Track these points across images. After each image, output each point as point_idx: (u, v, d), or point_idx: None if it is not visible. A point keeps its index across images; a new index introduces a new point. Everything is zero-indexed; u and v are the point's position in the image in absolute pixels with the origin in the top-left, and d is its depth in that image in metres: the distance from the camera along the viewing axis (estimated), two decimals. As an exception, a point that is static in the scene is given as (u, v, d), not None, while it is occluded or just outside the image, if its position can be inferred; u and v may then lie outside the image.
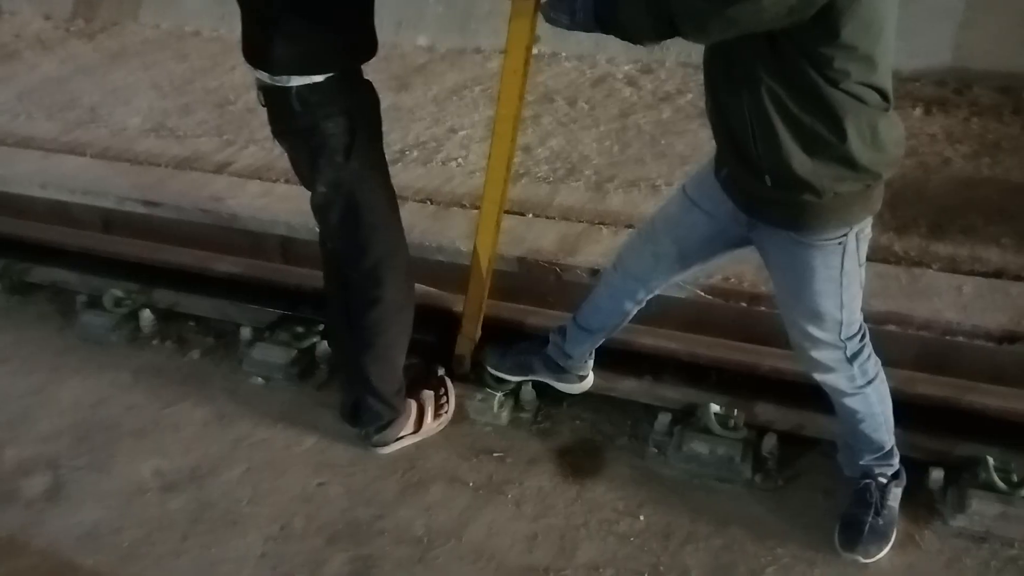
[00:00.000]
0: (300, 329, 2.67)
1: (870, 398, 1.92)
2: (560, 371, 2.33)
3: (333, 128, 1.93)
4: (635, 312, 2.17)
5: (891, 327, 2.30)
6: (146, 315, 2.81)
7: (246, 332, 2.69)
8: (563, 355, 2.30)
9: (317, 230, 2.20)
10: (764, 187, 1.65)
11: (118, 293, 2.85)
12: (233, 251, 2.97)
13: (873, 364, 1.90)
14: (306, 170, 2.05)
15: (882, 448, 1.99)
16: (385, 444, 2.32)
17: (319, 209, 2.09)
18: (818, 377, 1.92)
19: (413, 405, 2.35)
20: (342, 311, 2.21)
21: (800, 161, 1.57)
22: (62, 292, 3.01)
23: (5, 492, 2.31)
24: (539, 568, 2.03)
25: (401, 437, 2.33)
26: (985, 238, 2.66)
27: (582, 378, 2.36)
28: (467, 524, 2.14)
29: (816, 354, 1.86)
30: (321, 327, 2.67)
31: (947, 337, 2.28)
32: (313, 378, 2.60)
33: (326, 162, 1.98)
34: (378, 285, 2.12)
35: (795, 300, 1.82)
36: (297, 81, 1.85)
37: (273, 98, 1.94)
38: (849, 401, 1.93)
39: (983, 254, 2.58)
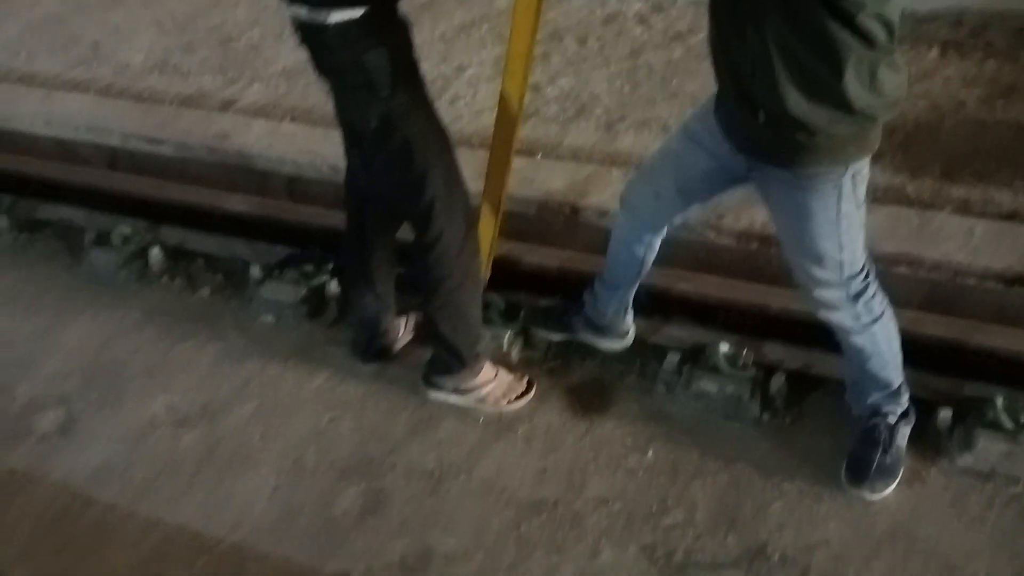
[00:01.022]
0: (309, 268, 2.66)
1: (876, 336, 1.92)
2: (600, 330, 2.33)
3: (375, 61, 1.85)
4: (649, 258, 2.16)
5: (901, 269, 2.30)
6: (155, 253, 2.80)
7: (255, 271, 2.68)
8: (599, 314, 2.30)
9: (344, 177, 2.14)
10: (758, 124, 1.64)
11: (126, 230, 2.84)
12: (240, 189, 2.96)
13: (879, 303, 1.90)
14: (352, 109, 1.98)
15: (890, 386, 2.00)
16: (436, 388, 2.28)
17: (369, 149, 2.01)
18: (823, 316, 1.92)
19: (487, 370, 2.28)
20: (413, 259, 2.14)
21: (795, 101, 1.55)
22: (69, 230, 3.01)
23: (18, 428, 2.34)
24: (548, 502, 2.06)
25: (455, 391, 2.27)
26: (998, 181, 2.64)
27: (623, 335, 2.35)
28: (477, 459, 2.17)
29: (819, 293, 1.87)
30: (331, 266, 2.67)
31: (957, 279, 2.28)
32: (323, 316, 2.61)
33: (372, 97, 1.89)
34: (435, 225, 2.04)
35: (795, 241, 1.81)
36: (336, 16, 1.78)
37: (311, 35, 1.87)
38: (855, 339, 1.93)
39: (995, 196, 2.56)
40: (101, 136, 3.15)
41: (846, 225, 1.73)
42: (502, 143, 2.21)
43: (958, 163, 2.73)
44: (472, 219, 2.16)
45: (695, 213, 2.11)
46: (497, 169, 2.26)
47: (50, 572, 1.99)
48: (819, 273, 1.82)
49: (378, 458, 2.19)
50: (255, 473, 2.18)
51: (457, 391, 2.27)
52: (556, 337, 2.41)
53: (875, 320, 1.90)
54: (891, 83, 1.57)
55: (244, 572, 1.95)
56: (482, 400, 2.27)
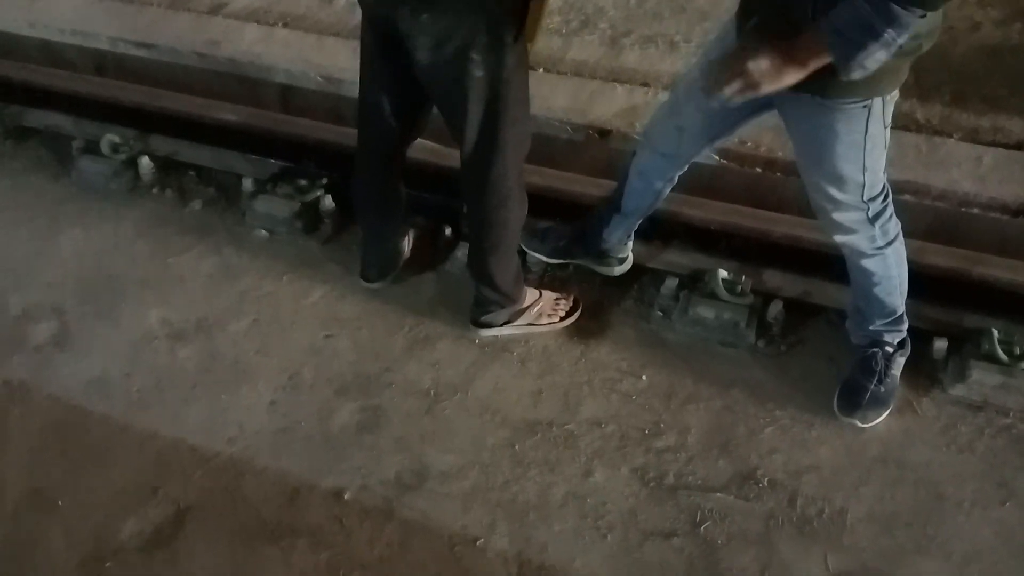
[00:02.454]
0: (303, 182, 2.62)
1: (888, 259, 1.91)
2: (600, 255, 2.31)
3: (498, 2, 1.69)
4: (667, 191, 2.12)
5: (907, 197, 2.26)
6: (145, 163, 2.74)
7: (248, 184, 2.64)
8: (601, 239, 2.27)
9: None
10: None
11: (115, 139, 2.77)
12: (232, 99, 2.88)
13: (894, 225, 1.89)
14: (452, 59, 1.74)
15: (894, 312, 2.00)
16: (489, 326, 2.25)
17: (456, 100, 1.83)
18: (839, 239, 1.90)
19: (530, 294, 2.26)
20: (473, 213, 2.08)
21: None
22: (58, 137, 2.94)
23: (13, 338, 2.33)
24: (543, 422, 2.08)
25: (505, 323, 2.25)
26: (1009, 108, 2.58)
27: (622, 260, 2.33)
28: (473, 379, 2.18)
29: (838, 216, 1.84)
30: (325, 181, 2.62)
31: (962, 208, 2.25)
32: (318, 232, 2.57)
33: (494, 41, 1.71)
34: (506, 185, 1.97)
35: (816, 165, 1.78)
36: None
37: None
38: (867, 263, 1.92)
39: (1006, 124, 2.51)
40: (87, 39, 3.03)
41: (871, 147, 1.70)
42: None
43: (969, 88, 2.66)
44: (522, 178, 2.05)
45: (718, 147, 2.06)
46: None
47: (48, 483, 2.01)
48: (839, 195, 1.79)
49: (375, 376, 2.20)
50: (252, 388, 2.19)
51: (507, 323, 2.25)
52: (552, 261, 2.38)
53: (889, 243, 1.89)
54: (932, 5, 1.49)
55: (241, 485, 1.98)
56: (533, 323, 2.26)
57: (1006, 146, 2.42)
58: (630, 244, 2.31)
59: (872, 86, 1.59)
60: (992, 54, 2.85)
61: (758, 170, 2.36)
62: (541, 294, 2.29)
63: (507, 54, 1.76)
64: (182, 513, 1.94)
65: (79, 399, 2.18)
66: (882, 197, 1.83)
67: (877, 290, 1.95)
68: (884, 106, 1.66)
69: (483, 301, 2.22)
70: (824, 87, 1.61)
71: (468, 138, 1.90)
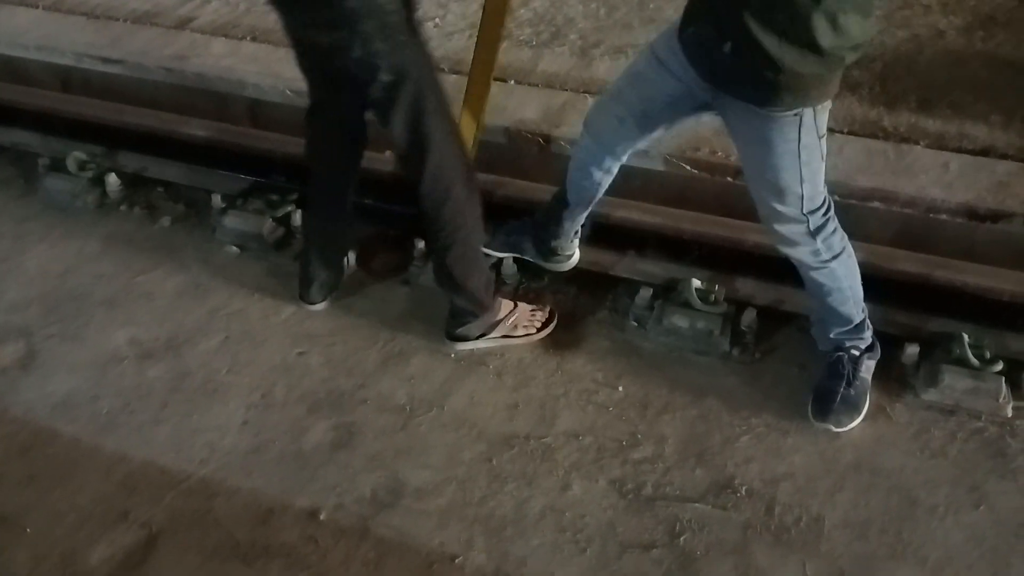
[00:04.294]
0: (274, 197, 2.59)
1: (836, 272, 1.93)
2: (548, 251, 2.30)
3: (389, 2, 1.72)
4: (605, 184, 2.11)
5: (875, 203, 2.29)
6: (112, 180, 2.71)
7: (217, 200, 2.60)
8: (549, 235, 2.27)
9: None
10: (722, 54, 1.60)
11: (81, 156, 2.74)
12: (200, 114, 2.85)
13: (839, 239, 1.90)
14: (360, 61, 1.79)
15: (850, 322, 2.02)
16: (463, 339, 2.23)
17: (379, 106, 1.88)
18: (784, 251, 1.92)
19: (503, 305, 2.25)
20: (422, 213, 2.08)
21: (763, 36, 1.52)
22: (23, 155, 2.89)
23: (-23, 360, 2.28)
24: (520, 435, 2.06)
25: (480, 336, 2.24)
26: (973, 114, 2.62)
27: (569, 257, 2.33)
28: (449, 394, 2.16)
29: (779, 228, 1.86)
30: (295, 196, 2.60)
31: (930, 214, 2.27)
32: (289, 248, 2.55)
33: (390, 44, 1.76)
34: (446, 177, 1.97)
35: (757, 174, 1.80)
36: None
37: None
38: (815, 275, 1.94)
39: (971, 131, 2.54)
40: (52, 55, 2.99)
41: (807, 157, 1.71)
42: (480, 72, 2.12)
43: (935, 95, 2.70)
44: (470, 159, 2.09)
45: (657, 140, 2.07)
46: (475, 97, 2.18)
47: (14, 508, 1.96)
48: (780, 207, 1.81)
49: (348, 392, 2.17)
50: (223, 407, 2.16)
51: (482, 336, 2.23)
52: (501, 255, 2.37)
53: (834, 257, 1.90)
54: (859, 28, 1.52)
55: (213, 507, 1.95)
56: (508, 335, 2.25)
57: (972, 152, 2.45)
58: (576, 241, 2.30)
59: (800, 96, 1.62)
60: (957, 61, 2.89)
61: (729, 179, 2.37)
62: (516, 305, 2.28)
63: (408, 51, 1.80)
64: (153, 537, 1.90)
65: (46, 421, 2.14)
66: (823, 211, 1.84)
67: (830, 300, 1.97)
68: (816, 116, 1.67)
69: (456, 312, 2.21)
70: (754, 95, 1.64)
71: (397, 140, 1.93)
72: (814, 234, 1.85)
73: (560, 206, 2.20)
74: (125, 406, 2.17)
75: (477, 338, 2.23)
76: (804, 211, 1.81)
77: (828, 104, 1.68)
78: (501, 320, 2.23)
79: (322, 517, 1.92)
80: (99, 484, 2.01)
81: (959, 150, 2.45)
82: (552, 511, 1.91)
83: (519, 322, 2.26)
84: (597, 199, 2.16)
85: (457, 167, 1.99)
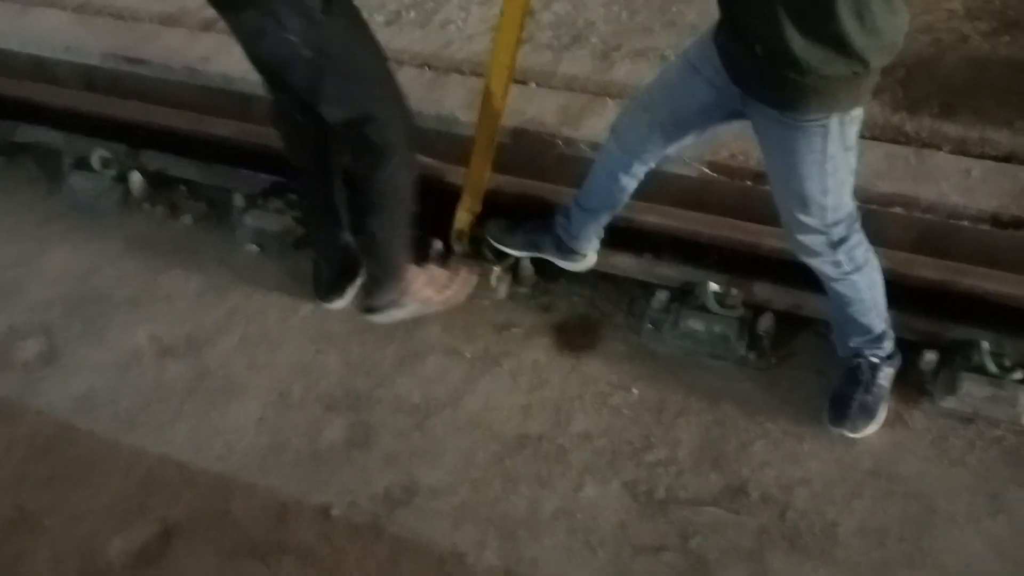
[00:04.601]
0: (294, 197, 2.61)
1: (857, 284, 1.91)
2: (565, 249, 2.31)
3: None
4: (632, 188, 2.11)
5: (897, 209, 2.27)
6: (135, 178, 2.74)
7: (239, 199, 2.63)
8: (569, 236, 2.27)
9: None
10: (752, 56, 1.59)
11: (106, 155, 2.77)
12: (223, 114, 2.87)
13: (863, 252, 1.88)
14: (276, 40, 1.81)
15: (871, 332, 2.00)
16: (376, 311, 2.28)
17: (305, 78, 1.89)
18: (805, 260, 1.91)
19: (416, 275, 2.29)
20: (344, 184, 2.14)
21: (792, 35, 1.50)
22: (49, 153, 2.93)
23: (0, 357, 2.32)
24: (534, 437, 2.07)
25: (396, 308, 2.29)
26: (996, 120, 2.58)
27: (586, 257, 2.34)
28: (464, 394, 2.17)
29: (801, 238, 1.84)
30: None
31: (951, 220, 2.25)
32: (308, 248, 2.56)
33: (304, 21, 1.78)
34: (386, 141, 2.00)
35: (782, 182, 1.79)
36: None
37: None
38: (836, 286, 1.93)
39: (993, 136, 2.51)
40: (78, 55, 3.03)
41: (832, 168, 1.69)
42: (498, 74, 2.13)
43: (958, 100, 2.67)
44: (414, 129, 2.12)
45: (687, 147, 2.07)
46: (493, 100, 2.19)
47: (34, 502, 2.00)
48: (802, 217, 1.79)
49: (364, 392, 2.19)
50: (241, 405, 2.18)
51: (396, 304, 2.27)
52: (519, 253, 2.38)
53: (857, 269, 1.88)
54: (887, 23, 1.50)
55: (230, 504, 1.97)
56: (423, 300, 2.28)
57: (994, 158, 2.42)
58: (596, 243, 2.31)
59: (827, 101, 1.60)
60: (980, 66, 2.86)
61: (748, 183, 2.36)
62: (425, 270, 2.31)
63: (326, 29, 1.81)
64: (169, 531, 1.93)
65: (66, 417, 2.17)
66: (847, 223, 1.82)
67: (851, 311, 1.96)
68: (843, 127, 1.64)
69: (372, 283, 2.25)
70: (780, 100, 1.63)
71: (331, 117, 1.96)
72: (836, 246, 1.83)
73: (582, 209, 2.21)
74: (144, 404, 2.20)
75: (391, 308, 2.26)
76: (827, 222, 1.79)
77: (858, 115, 1.66)
78: (412, 290, 2.26)
79: (336, 515, 1.93)
80: (118, 482, 2.04)
81: (981, 156, 2.42)
82: (565, 513, 1.91)
83: (434, 287, 2.29)
84: (622, 204, 2.17)
85: (395, 137, 2.01)
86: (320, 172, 2.23)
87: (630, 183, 2.09)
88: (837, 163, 1.69)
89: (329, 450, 2.07)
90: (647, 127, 1.95)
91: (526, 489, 1.96)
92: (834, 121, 1.63)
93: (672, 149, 2.01)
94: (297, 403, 2.17)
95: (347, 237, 2.34)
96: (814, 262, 1.89)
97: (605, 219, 2.22)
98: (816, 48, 1.51)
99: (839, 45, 1.50)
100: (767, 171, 1.85)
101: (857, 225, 1.85)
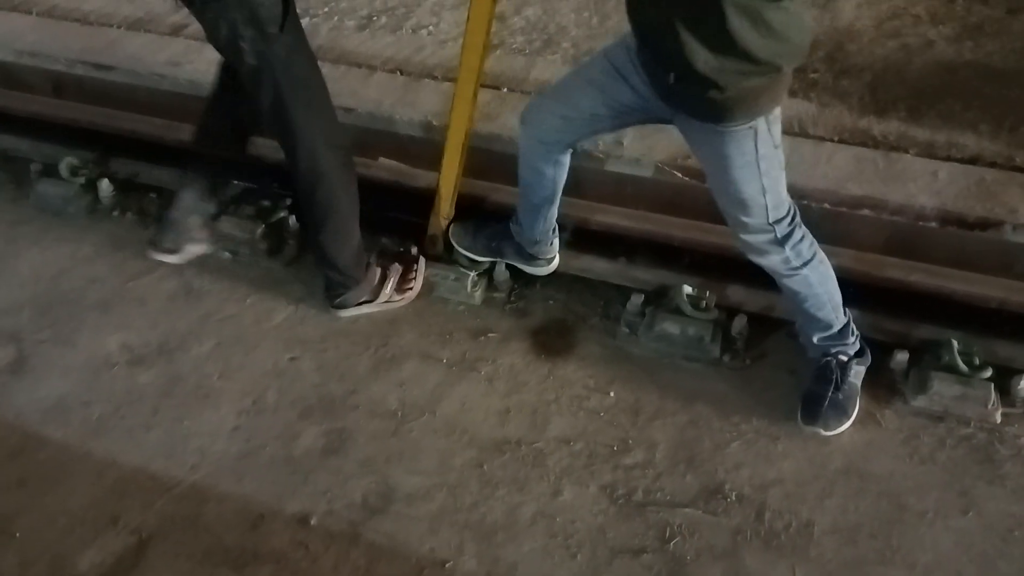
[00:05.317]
0: (266, 203, 2.59)
1: (809, 279, 1.95)
2: (527, 255, 2.32)
3: None
4: (561, 176, 2.12)
5: (865, 211, 2.30)
6: (104, 185, 2.70)
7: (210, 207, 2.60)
8: (525, 239, 2.28)
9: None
10: (671, 80, 1.64)
11: (74, 162, 2.73)
12: (192, 119, 2.83)
13: (808, 246, 1.92)
14: (228, 40, 1.90)
15: (830, 327, 2.03)
16: (343, 307, 2.33)
17: (248, 81, 1.99)
18: (755, 260, 1.95)
19: (377, 273, 2.34)
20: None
21: (702, 57, 1.54)
22: (14, 160, 2.88)
23: (-33, 364, 2.28)
24: (511, 441, 2.07)
25: (361, 303, 2.33)
26: (963, 123, 2.63)
27: (550, 260, 2.35)
28: (440, 399, 2.16)
29: (748, 238, 1.89)
30: (288, 202, 2.60)
31: (920, 222, 2.28)
32: (282, 254, 2.55)
33: (257, 32, 1.86)
34: (321, 164, 2.09)
35: (720, 187, 1.83)
36: None
37: None
38: (788, 282, 1.97)
39: (960, 139, 2.56)
40: (45, 61, 2.99)
41: (766, 167, 1.74)
42: (468, 76, 2.14)
43: (925, 104, 2.72)
44: (349, 143, 2.18)
45: (602, 137, 2.13)
46: (462, 104, 2.20)
47: (4, 512, 1.95)
48: (745, 219, 1.84)
49: (340, 398, 2.17)
50: (214, 412, 2.15)
51: (364, 302, 2.33)
52: (482, 259, 2.40)
53: (805, 263, 1.92)
54: (788, 29, 1.53)
55: (203, 512, 1.94)
56: (390, 298, 2.35)
57: (961, 160, 2.47)
58: (556, 244, 2.32)
59: (751, 108, 1.65)
60: (946, 70, 2.91)
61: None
62: (390, 267, 2.37)
63: (275, 44, 1.90)
64: (143, 542, 1.90)
65: (37, 425, 2.13)
66: (788, 219, 1.87)
67: (806, 306, 2.00)
68: (769, 126, 1.70)
69: (329, 283, 2.31)
70: (706, 115, 1.68)
71: (268, 122, 2.06)
72: (782, 242, 1.88)
73: (525, 210, 2.22)
74: (116, 411, 2.16)
75: (359, 304, 2.33)
76: (769, 221, 1.84)
77: (778, 114, 1.71)
78: (380, 288, 2.33)
79: (313, 523, 1.91)
80: (89, 489, 2.00)
81: (948, 158, 2.46)
82: (543, 516, 1.91)
83: (397, 283, 2.36)
84: (558, 193, 2.17)
85: (329, 155, 2.09)
86: (224, 131, 2.31)
87: (556, 171, 2.11)
88: (770, 162, 1.74)
89: (304, 456, 2.05)
90: (561, 120, 1.96)
91: (504, 493, 1.96)
92: (761, 122, 1.68)
93: (587, 140, 2.05)
94: (271, 409, 2.15)
95: (203, 204, 2.37)
96: (764, 261, 1.93)
97: (549, 213, 2.22)
98: (727, 65, 1.55)
99: (747, 58, 1.53)
100: (707, 179, 1.89)
101: (799, 220, 1.90)
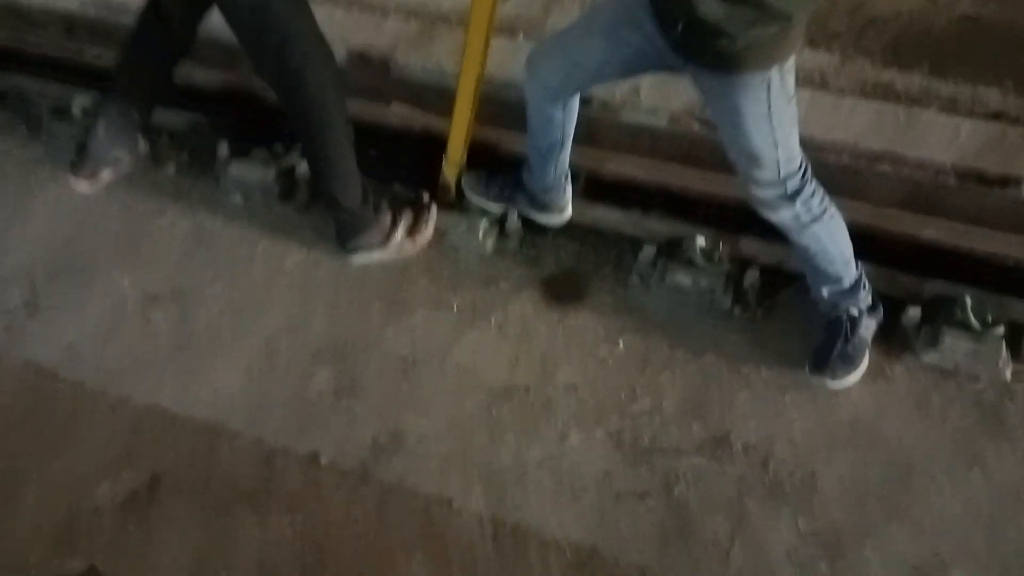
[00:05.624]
0: (279, 148, 2.58)
1: (819, 234, 1.93)
2: (539, 204, 2.31)
3: None
4: (569, 120, 2.09)
5: (885, 167, 2.27)
6: (117, 126, 2.69)
7: (223, 149, 2.59)
8: (538, 187, 2.27)
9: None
10: (678, 33, 1.61)
11: (86, 102, 2.72)
12: (206, 62, 2.82)
13: (819, 201, 1.90)
14: None
15: (840, 281, 2.01)
16: (355, 251, 2.32)
17: (243, 34, 1.98)
18: (765, 215, 1.93)
19: (388, 219, 2.33)
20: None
21: (711, 7, 1.51)
22: (26, 101, 2.87)
23: (-17, 304, 2.30)
24: (520, 387, 2.08)
25: (372, 250, 2.32)
26: (986, 79, 2.58)
27: (562, 209, 2.33)
28: (451, 345, 2.17)
29: (758, 193, 1.87)
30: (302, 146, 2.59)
31: (939, 178, 2.26)
32: (294, 199, 2.54)
33: None
34: (315, 104, 2.07)
35: (732, 141, 1.80)
36: None
37: None
38: (799, 238, 1.95)
39: (983, 95, 2.51)
40: (56, 1, 2.96)
41: (778, 120, 1.72)
42: (480, 21, 2.11)
43: (949, 59, 2.66)
44: (340, 75, 2.14)
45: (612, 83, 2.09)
46: (475, 49, 2.16)
47: (20, 448, 2.00)
48: (757, 173, 1.82)
49: (351, 342, 2.19)
50: (227, 354, 2.17)
51: (375, 247, 2.32)
52: (494, 208, 2.38)
53: (815, 219, 1.90)
54: None
55: (216, 450, 1.97)
56: (401, 245, 2.34)
57: (984, 116, 2.43)
58: (568, 193, 2.30)
59: (763, 58, 1.61)
60: (972, 25, 2.85)
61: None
62: (402, 213, 2.35)
63: None
64: (157, 478, 1.94)
65: (51, 365, 2.16)
66: (800, 174, 1.84)
67: (817, 262, 1.98)
68: (783, 77, 1.67)
69: (339, 226, 2.30)
70: (718, 66, 1.64)
71: (264, 71, 2.05)
72: (792, 197, 1.86)
73: (535, 157, 2.20)
74: (129, 351, 2.19)
75: (372, 249, 2.32)
76: (780, 175, 1.82)
77: (792, 65, 1.67)
78: (392, 232, 2.32)
79: (323, 462, 1.94)
80: (104, 427, 2.04)
81: (971, 114, 2.42)
82: (550, 461, 1.93)
83: (408, 229, 2.35)
84: (568, 139, 2.15)
85: (326, 95, 2.07)
86: (155, 69, 2.34)
87: (565, 117, 2.07)
88: (783, 115, 1.72)
89: (316, 398, 2.07)
90: (571, 65, 1.91)
91: (512, 438, 1.98)
92: (775, 73, 1.65)
93: (596, 86, 2.00)
94: (284, 354, 2.17)
95: (127, 128, 2.40)
96: (775, 216, 1.91)
97: (560, 159, 2.19)
98: (735, 13, 1.51)
99: (756, 6, 1.50)
100: (718, 131, 1.86)
101: (810, 175, 1.87)
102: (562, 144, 2.15)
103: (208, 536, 1.85)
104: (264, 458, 1.96)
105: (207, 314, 2.26)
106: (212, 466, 1.95)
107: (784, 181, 1.83)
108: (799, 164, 1.84)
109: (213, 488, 1.92)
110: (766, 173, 1.81)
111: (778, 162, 1.79)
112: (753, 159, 1.79)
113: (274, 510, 1.86)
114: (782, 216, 1.90)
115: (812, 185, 1.88)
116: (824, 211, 1.91)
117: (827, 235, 1.94)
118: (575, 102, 2.05)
